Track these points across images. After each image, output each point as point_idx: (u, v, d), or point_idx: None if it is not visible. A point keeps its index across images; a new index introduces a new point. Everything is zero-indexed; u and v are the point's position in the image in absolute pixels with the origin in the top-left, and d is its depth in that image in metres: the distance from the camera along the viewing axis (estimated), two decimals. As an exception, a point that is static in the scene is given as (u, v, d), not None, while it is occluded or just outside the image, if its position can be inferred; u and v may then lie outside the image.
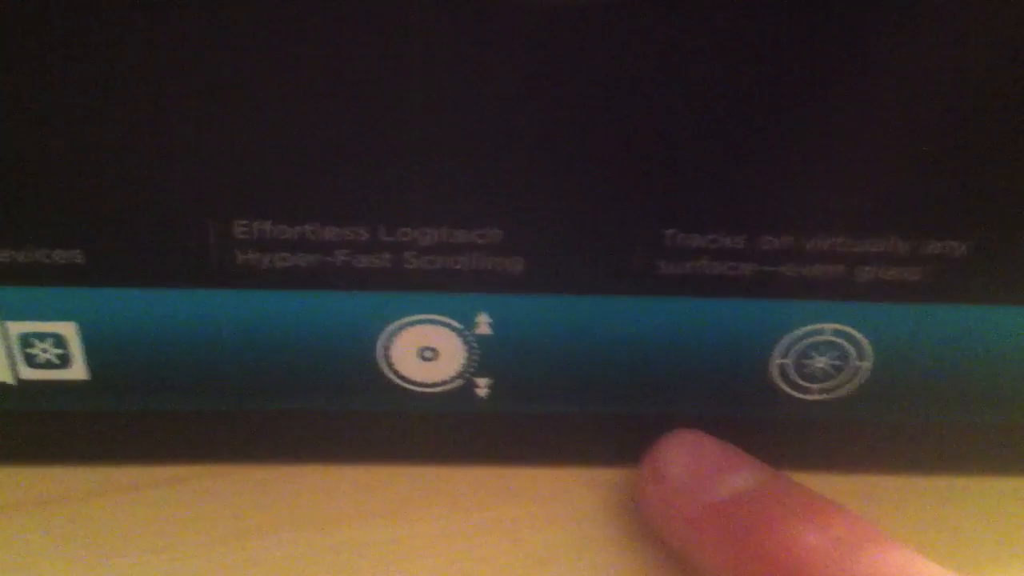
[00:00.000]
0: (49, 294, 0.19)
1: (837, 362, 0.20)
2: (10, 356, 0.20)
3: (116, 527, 0.21)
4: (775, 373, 0.21)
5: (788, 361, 0.20)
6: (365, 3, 0.16)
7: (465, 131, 0.18)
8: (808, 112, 0.18)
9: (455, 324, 0.20)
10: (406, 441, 0.22)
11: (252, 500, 0.21)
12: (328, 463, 0.22)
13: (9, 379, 0.20)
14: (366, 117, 0.18)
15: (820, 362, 0.20)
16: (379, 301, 0.20)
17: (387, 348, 0.20)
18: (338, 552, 0.20)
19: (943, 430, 0.22)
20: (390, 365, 0.20)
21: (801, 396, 0.21)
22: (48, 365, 0.20)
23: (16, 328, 0.20)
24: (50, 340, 0.20)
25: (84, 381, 0.20)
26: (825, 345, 0.20)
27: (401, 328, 0.20)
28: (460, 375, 0.21)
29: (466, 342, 0.20)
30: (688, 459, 0.20)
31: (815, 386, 0.21)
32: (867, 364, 0.20)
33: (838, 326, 0.20)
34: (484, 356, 0.20)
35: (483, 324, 0.20)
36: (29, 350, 0.20)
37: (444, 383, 0.21)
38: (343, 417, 0.21)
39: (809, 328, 0.20)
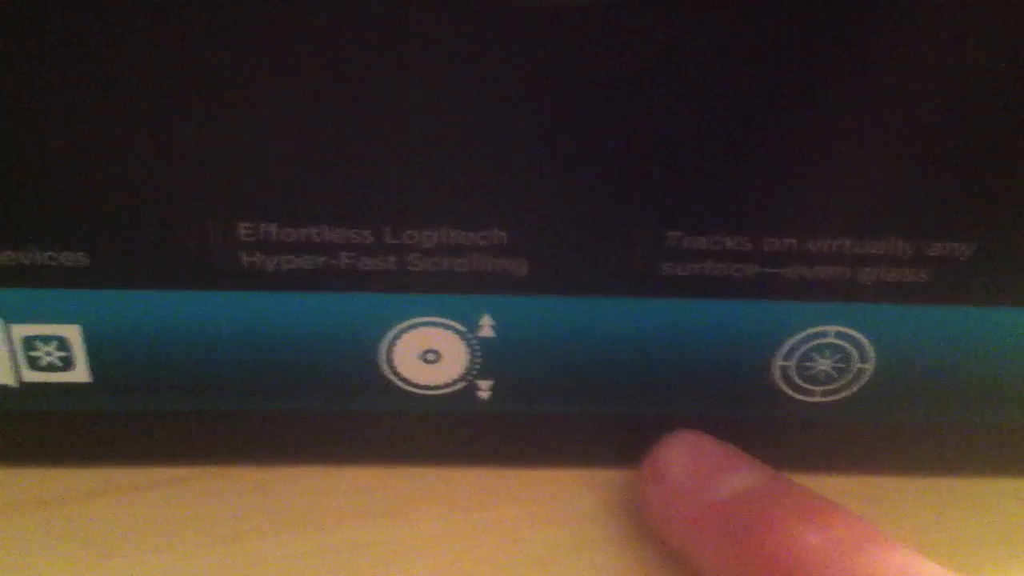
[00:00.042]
0: (53, 296, 0.19)
1: (840, 364, 0.21)
2: (13, 359, 0.20)
3: (117, 527, 0.20)
4: (777, 375, 0.21)
5: (791, 363, 0.20)
6: (369, 5, 0.16)
7: (468, 133, 0.18)
8: (811, 114, 0.18)
9: (458, 327, 0.20)
10: (407, 442, 0.22)
11: (253, 501, 0.21)
12: (329, 464, 0.22)
13: (11, 381, 0.20)
14: (370, 119, 0.17)
15: (823, 364, 0.20)
16: (382, 303, 0.20)
17: (390, 350, 0.20)
18: (338, 552, 0.20)
19: (944, 431, 0.22)
20: (392, 367, 0.20)
21: (803, 398, 0.21)
22: (51, 368, 0.20)
23: (19, 331, 0.20)
24: (54, 343, 0.20)
25: (86, 383, 0.20)
26: (828, 347, 0.20)
27: (404, 331, 0.20)
28: (463, 377, 0.21)
29: (469, 345, 0.20)
30: (688, 459, 0.20)
31: (817, 388, 0.21)
32: (869, 366, 0.21)
33: (841, 328, 0.20)
34: (487, 358, 0.20)
35: (486, 326, 0.20)
36: (32, 353, 0.20)
37: (446, 385, 0.21)
38: (344, 418, 0.21)
39: (812, 330, 0.20)
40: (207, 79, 0.17)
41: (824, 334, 0.20)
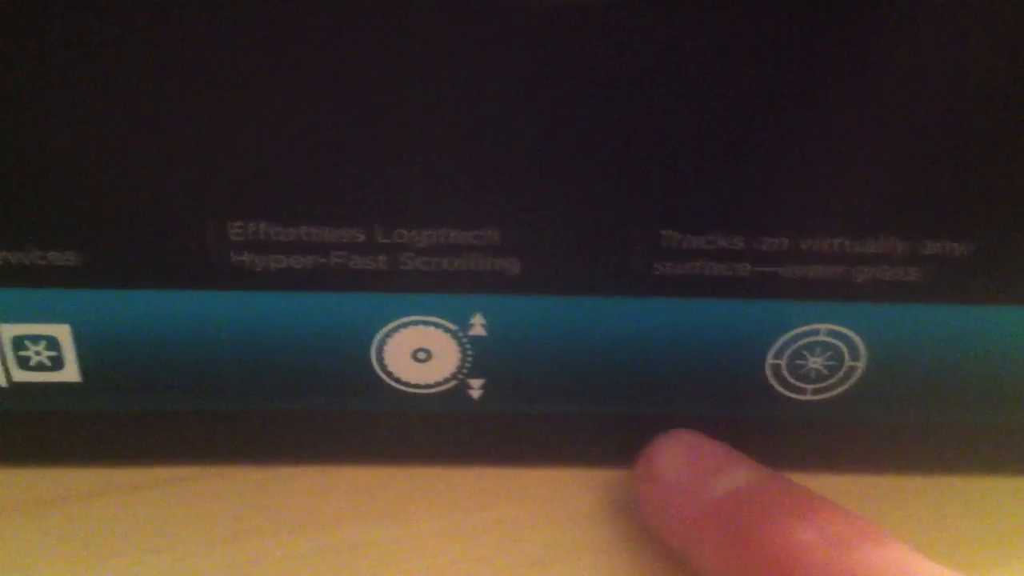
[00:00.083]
0: (43, 296, 0.19)
1: (831, 362, 0.20)
2: (2, 358, 0.20)
3: (115, 528, 0.20)
4: (770, 373, 0.21)
5: (781, 361, 0.20)
6: (361, 4, 0.16)
7: (461, 132, 0.18)
8: (805, 113, 0.18)
9: (449, 325, 0.20)
10: (402, 442, 0.22)
11: (249, 501, 0.21)
12: (324, 464, 0.22)
13: (1, 381, 0.20)
14: (363, 118, 0.17)
15: (814, 362, 0.20)
16: (375, 302, 0.20)
17: (381, 349, 0.20)
18: (336, 552, 0.20)
19: (938, 430, 0.22)
20: (383, 366, 0.20)
21: (795, 396, 0.21)
22: (40, 367, 0.20)
23: (9, 330, 0.20)
24: (43, 342, 0.20)
25: (76, 383, 0.20)
26: (819, 345, 0.20)
27: (395, 329, 0.20)
28: (453, 376, 0.21)
29: (460, 343, 0.20)
30: (684, 458, 0.20)
31: (809, 386, 0.21)
32: (860, 364, 0.20)
33: (833, 326, 0.20)
34: (478, 357, 0.20)
35: (478, 325, 0.20)
36: (22, 352, 0.20)
37: (438, 384, 0.21)
38: (338, 418, 0.21)
39: (803, 328, 0.20)
40: (199, 78, 0.17)
41: (815, 332, 0.20)
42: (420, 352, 0.20)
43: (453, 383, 0.21)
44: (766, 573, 0.17)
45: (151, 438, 0.21)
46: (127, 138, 0.17)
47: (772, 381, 0.21)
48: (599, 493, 0.22)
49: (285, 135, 0.18)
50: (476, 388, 0.21)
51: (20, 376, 0.20)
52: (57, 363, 0.20)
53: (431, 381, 0.21)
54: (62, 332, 0.20)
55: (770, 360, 0.20)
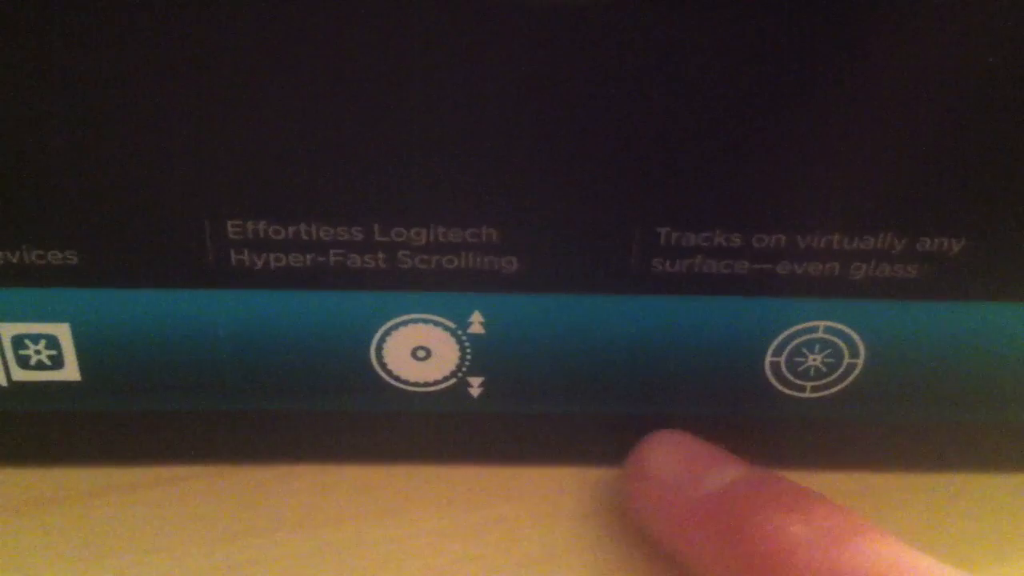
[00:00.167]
0: (42, 295, 0.19)
1: (830, 360, 0.20)
2: (2, 357, 0.20)
3: (114, 527, 0.20)
4: (769, 371, 0.21)
5: (780, 359, 0.20)
6: (358, 3, 0.16)
7: (459, 130, 0.18)
8: (802, 110, 0.18)
9: (448, 323, 0.20)
10: (402, 440, 0.22)
11: (248, 500, 0.21)
12: (323, 463, 0.22)
13: (1, 380, 0.20)
14: (360, 117, 0.17)
15: (813, 360, 0.20)
16: (373, 301, 0.20)
17: (380, 348, 0.20)
18: (335, 551, 0.20)
19: (937, 428, 0.22)
20: (383, 365, 0.20)
21: (794, 394, 0.21)
22: (40, 366, 0.20)
23: (9, 329, 0.20)
24: (43, 341, 0.20)
25: (76, 382, 0.20)
26: (817, 343, 0.20)
27: (394, 328, 0.20)
28: (453, 374, 0.21)
29: (459, 342, 0.20)
30: (674, 456, 0.20)
31: (808, 384, 0.21)
32: (859, 362, 0.20)
33: (831, 323, 0.20)
34: (477, 355, 0.20)
35: (476, 323, 0.20)
36: (21, 351, 0.20)
37: (437, 383, 0.21)
38: (338, 417, 0.21)
39: (801, 326, 0.20)
40: (198, 77, 0.17)
41: (814, 329, 0.20)
42: (419, 350, 0.20)
43: (453, 381, 0.21)
44: (758, 568, 0.17)
45: (151, 437, 0.21)
46: (126, 137, 0.17)
47: (771, 379, 0.21)
48: (598, 492, 0.22)
49: (283, 134, 0.18)
50: (476, 386, 0.21)
51: (20, 375, 0.20)
52: (57, 362, 0.20)
53: (431, 379, 0.21)
54: (62, 331, 0.20)
55: (769, 358, 0.20)
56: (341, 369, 0.20)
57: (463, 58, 0.17)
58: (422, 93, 0.17)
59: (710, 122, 0.18)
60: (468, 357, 0.20)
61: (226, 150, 0.18)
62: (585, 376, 0.21)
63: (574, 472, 0.22)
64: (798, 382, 0.21)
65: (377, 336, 0.20)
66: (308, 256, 0.19)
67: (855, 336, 0.20)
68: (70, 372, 0.20)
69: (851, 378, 0.21)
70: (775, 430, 0.21)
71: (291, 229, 0.19)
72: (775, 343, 0.20)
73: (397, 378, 0.21)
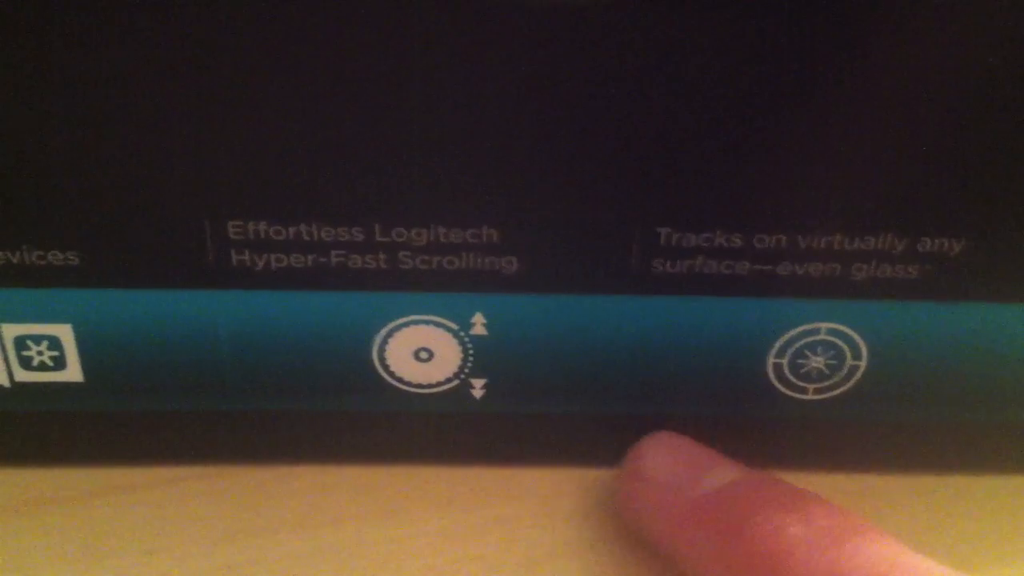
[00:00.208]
0: (44, 296, 0.19)
1: (832, 361, 0.20)
2: (4, 358, 0.20)
3: (115, 528, 0.21)
4: (771, 372, 0.21)
5: (783, 360, 0.20)
6: (359, 3, 0.16)
7: (460, 131, 0.18)
8: (803, 110, 0.18)
9: (450, 325, 0.20)
10: (402, 441, 0.22)
11: (249, 501, 0.21)
12: (324, 463, 0.22)
13: (3, 381, 0.20)
14: (361, 117, 0.18)
15: (815, 361, 0.20)
16: (374, 302, 0.20)
17: (382, 349, 0.20)
18: (335, 552, 0.20)
19: (939, 428, 0.22)
20: (385, 366, 0.20)
21: (797, 395, 0.21)
22: (43, 367, 0.20)
23: (11, 330, 0.20)
24: (45, 342, 0.20)
25: (79, 383, 0.20)
26: (820, 344, 0.20)
27: (396, 329, 0.20)
28: (456, 376, 0.21)
29: (461, 343, 0.20)
30: (671, 458, 0.20)
31: (810, 386, 0.21)
32: (862, 363, 0.20)
33: (833, 325, 0.20)
34: (480, 357, 0.20)
35: (479, 324, 0.20)
36: (24, 352, 0.20)
37: (440, 384, 0.21)
38: (339, 418, 0.21)
39: (804, 328, 0.20)
40: (199, 78, 0.17)
41: (816, 331, 0.20)
42: (422, 351, 0.20)
43: (456, 383, 0.21)
44: (756, 568, 0.17)
45: (152, 438, 0.21)
46: (127, 138, 0.17)
47: (774, 381, 0.21)
48: (599, 493, 0.22)
49: (284, 134, 0.18)
50: (478, 388, 0.21)
51: (22, 376, 0.20)
52: (59, 363, 0.20)
53: (433, 381, 0.21)
54: (64, 332, 0.20)
55: (772, 359, 0.20)
56: (343, 370, 0.20)
57: (464, 58, 0.17)
58: (423, 93, 0.17)
59: (711, 122, 0.18)
60: (471, 359, 0.20)
61: (227, 150, 0.18)
62: (587, 377, 0.21)
63: (575, 473, 0.22)
64: (800, 384, 0.21)
65: (379, 337, 0.20)
66: (309, 257, 0.19)
67: (857, 337, 0.20)
68: (72, 373, 0.20)
69: (854, 380, 0.21)
70: (777, 432, 0.21)
71: (292, 229, 0.19)
72: (777, 345, 0.20)
73: (400, 380, 0.21)
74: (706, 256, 0.19)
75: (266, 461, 0.22)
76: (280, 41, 0.17)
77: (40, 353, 0.20)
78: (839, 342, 0.20)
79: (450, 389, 0.21)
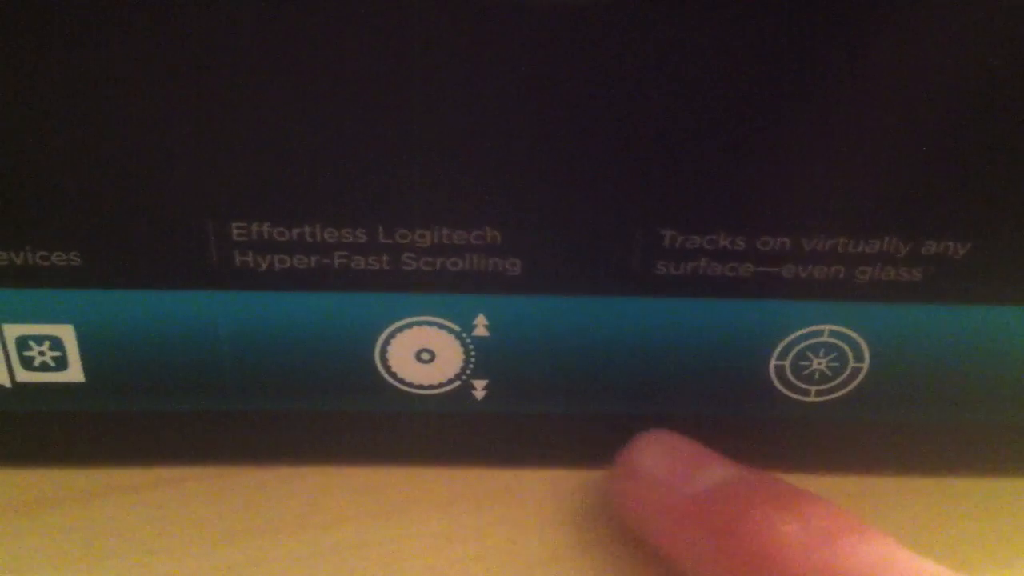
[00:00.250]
0: (46, 296, 0.19)
1: (835, 363, 0.20)
2: (6, 359, 0.20)
3: (116, 528, 0.20)
4: (773, 374, 0.21)
5: (785, 362, 0.20)
6: (361, 5, 0.16)
7: (462, 132, 0.18)
8: (807, 112, 0.18)
9: (452, 326, 0.20)
10: (403, 442, 0.22)
11: (250, 501, 0.21)
12: (326, 464, 0.22)
13: (5, 381, 0.20)
14: (364, 119, 0.17)
15: (818, 363, 0.20)
16: (377, 303, 0.20)
17: (384, 350, 0.20)
18: (336, 553, 0.20)
19: (941, 430, 0.22)
20: (387, 367, 0.20)
21: (799, 397, 0.21)
22: (44, 368, 0.20)
23: (12, 331, 0.20)
24: (47, 343, 0.20)
25: (81, 383, 0.20)
26: (822, 346, 0.20)
27: (398, 330, 0.20)
28: (457, 377, 0.21)
29: (463, 344, 0.20)
30: (665, 455, 0.20)
31: (813, 387, 0.21)
32: (864, 365, 0.20)
33: (835, 327, 0.20)
34: (481, 358, 0.20)
35: (481, 326, 0.20)
36: (26, 353, 0.20)
37: (441, 385, 0.21)
38: (341, 418, 0.21)
39: (806, 330, 0.20)
40: (200, 79, 0.17)
41: (819, 333, 0.20)
42: (424, 353, 0.20)
43: (457, 384, 0.21)
44: (750, 565, 0.17)
45: (154, 438, 0.21)
46: (130, 138, 0.17)
47: (776, 383, 0.21)
48: (599, 494, 0.22)
49: (287, 135, 0.18)
50: (480, 389, 0.21)
51: (24, 376, 0.20)
52: (61, 363, 0.20)
53: (435, 382, 0.21)
54: (66, 332, 0.20)
55: (774, 361, 0.20)
56: (345, 371, 0.20)
57: (466, 59, 0.17)
58: (425, 95, 0.17)
59: (714, 124, 0.18)
60: (472, 360, 0.20)
61: (230, 152, 0.18)
62: (589, 379, 0.21)
63: (577, 474, 0.22)
64: (803, 386, 0.21)
65: (381, 338, 0.20)
66: (312, 258, 0.19)
67: (860, 340, 0.20)
68: (74, 373, 0.20)
69: (856, 382, 0.21)
70: (779, 433, 0.21)
71: (295, 231, 0.19)
72: (780, 347, 0.20)
73: (401, 380, 0.21)
74: (709, 258, 0.19)
75: (267, 462, 0.22)
76: (283, 42, 0.17)
77: (42, 353, 0.20)
78: (842, 344, 0.20)
79: (452, 390, 0.21)
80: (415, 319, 0.20)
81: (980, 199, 0.18)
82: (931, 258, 0.19)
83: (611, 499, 0.21)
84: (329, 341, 0.20)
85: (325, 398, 0.21)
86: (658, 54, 0.17)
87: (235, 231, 0.19)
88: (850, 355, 0.20)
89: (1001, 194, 0.18)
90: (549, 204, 0.19)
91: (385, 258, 0.19)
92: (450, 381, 0.21)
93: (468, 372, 0.21)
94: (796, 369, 0.21)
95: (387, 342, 0.20)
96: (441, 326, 0.20)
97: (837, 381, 0.21)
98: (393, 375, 0.21)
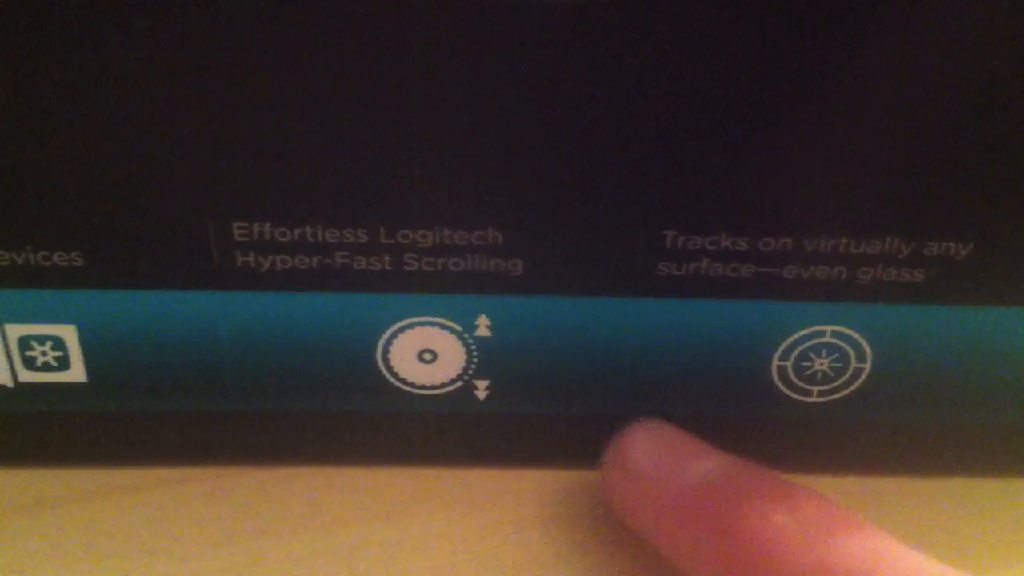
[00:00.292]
0: (48, 296, 0.19)
1: (837, 364, 0.20)
2: (8, 359, 0.20)
3: (116, 528, 0.20)
4: (775, 375, 0.21)
5: (788, 363, 0.20)
6: (363, 5, 0.16)
7: (464, 133, 0.18)
8: (809, 113, 0.18)
9: (454, 326, 0.20)
10: (405, 442, 0.22)
11: (251, 501, 0.21)
12: (328, 464, 0.22)
13: (7, 381, 0.20)
14: (365, 119, 0.17)
15: (820, 364, 0.20)
16: (379, 303, 0.20)
17: (386, 350, 0.20)
18: (338, 553, 0.20)
19: (943, 431, 0.22)
20: (389, 367, 0.20)
21: (801, 398, 0.21)
22: (47, 368, 0.20)
23: (15, 331, 0.20)
24: (49, 343, 0.20)
25: (83, 383, 0.20)
26: (824, 347, 0.20)
27: (400, 330, 0.20)
28: (459, 377, 0.21)
29: (465, 344, 0.20)
30: (656, 447, 0.19)
31: (815, 388, 0.21)
32: (867, 366, 0.20)
33: (838, 328, 0.20)
34: (483, 358, 0.20)
35: (483, 326, 0.20)
36: (28, 353, 0.20)
37: (443, 385, 0.21)
38: (343, 419, 0.21)
39: (808, 330, 0.20)
40: (202, 80, 0.17)
41: (821, 333, 0.20)
42: (426, 353, 0.20)
43: (459, 384, 0.21)
44: (741, 558, 0.17)
45: (155, 438, 0.21)
46: (132, 139, 0.17)
47: (778, 383, 0.21)
48: (600, 494, 0.22)
49: (289, 136, 0.18)
50: (482, 389, 0.21)
51: (26, 376, 0.20)
52: (63, 363, 0.20)
53: (437, 382, 0.21)
54: (68, 332, 0.20)
55: (776, 362, 0.20)
56: (347, 371, 0.20)
57: (467, 60, 0.17)
58: (427, 96, 0.17)
59: (716, 125, 0.18)
60: (474, 360, 0.20)
61: (231, 152, 0.18)
62: (591, 379, 0.21)
63: (579, 474, 0.22)
64: (805, 386, 0.21)
65: (383, 339, 0.20)
66: (314, 258, 0.19)
67: (862, 340, 0.20)
68: (76, 374, 0.20)
69: (858, 382, 0.21)
70: (781, 434, 0.21)
71: (297, 231, 0.19)
72: (782, 347, 0.20)
73: (403, 381, 0.21)
74: (711, 259, 0.19)
75: (268, 462, 0.22)
76: (283, 42, 0.17)
77: (44, 353, 0.20)
78: (844, 345, 0.20)
79: (454, 390, 0.21)
80: (417, 319, 0.20)
81: (982, 200, 0.18)
82: (933, 259, 0.19)
83: (602, 491, 0.20)
84: (331, 341, 0.20)
85: (326, 398, 0.21)
86: (659, 55, 0.17)
87: (236, 231, 0.19)
88: (852, 356, 0.20)
89: (1003, 195, 0.18)
90: (551, 205, 0.19)
91: (387, 258, 0.19)
92: (452, 381, 0.21)
93: (470, 372, 0.21)
94: (798, 370, 0.21)
95: (389, 342, 0.20)
96: (443, 326, 0.20)
97: (839, 382, 0.21)
98: (395, 375, 0.21)
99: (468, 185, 0.18)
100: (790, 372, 0.21)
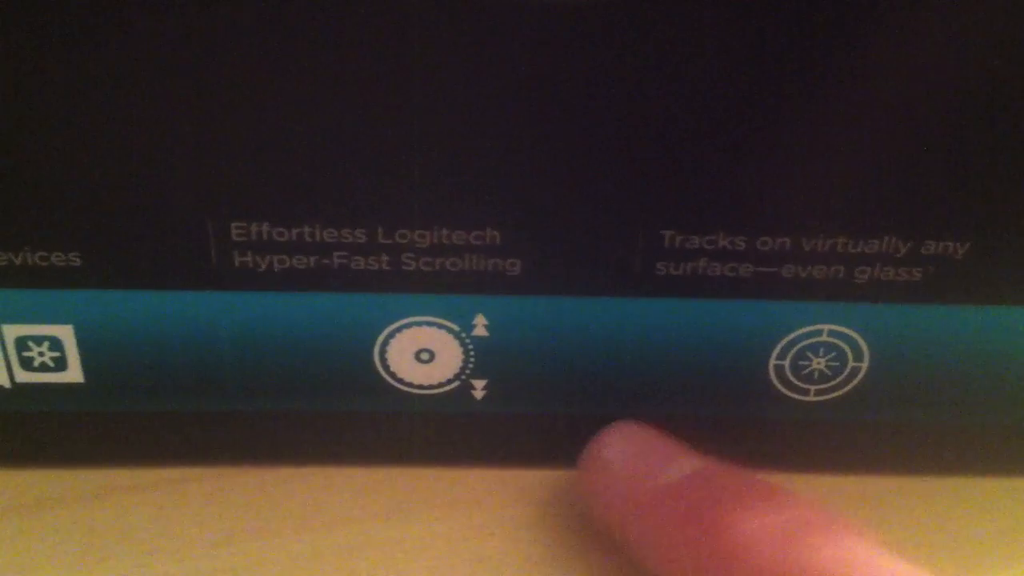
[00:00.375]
0: (46, 297, 0.19)
1: (834, 363, 0.20)
2: (6, 359, 0.20)
3: (116, 529, 0.20)
4: (772, 374, 0.21)
5: (785, 362, 0.20)
6: (361, 5, 0.16)
7: (462, 132, 0.18)
8: (807, 112, 0.18)
9: (452, 326, 0.20)
10: (403, 442, 0.22)
11: (250, 502, 0.21)
12: (326, 465, 0.22)
13: (4, 382, 0.20)
14: (363, 119, 0.18)
15: (817, 363, 0.20)
16: (376, 303, 0.20)
17: (384, 350, 0.20)
18: (337, 553, 0.20)
19: (940, 430, 0.22)
20: (387, 367, 0.20)
21: (798, 397, 0.21)
22: (44, 368, 0.20)
23: (12, 331, 0.20)
24: (46, 343, 0.20)
25: (80, 384, 0.20)
26: (821, 346, 0.20)
27: (398, 330, 0.20)
28: (457, 377, 0.21)
29: (463, 344, 0.20)
30: (633, 448, 0.19)
31: (812, 387, 0.21)
32: (864, 365, 0.20)
33: (835, 327, 0.20)
34: (481, 358, 0.20)
35: (480, 326, 0.20)
36: (25, 353, 0.20)
37: (441, 385, 0.21)
38: (340, 419, 0.21)
39: (806, 329, 0.20)
40: (201, 79, 0.17)
41: (818, 332, 0.20)
42: (423, 353, 0.20)
43: (456, 384, 0.21)
44: (716, 559, 0.16)
45: (154, 439, 0.21)
46: (130, 139, 0.17)
47: (775, 382, 0.21)
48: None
49: (287, 135, 0.18)
50: (479, 389, 0.21)
51: (23, 377, 0.20)
52: (60, 364, 0.20)
53: (434, 382, 0.21)
54: (65, 333, 0.20)
55: (773, 361, 0.20)
56: (344, 371, 0.20)
57: (466, 59, 0.17)
58: (425, 95, 0.17)
59: (714, 124, 0.18)
60: (472, 360, 0.20)
61: (230, 152, 0.18)
62: (588, 379, 0.21)
63: (576, 475, 0.22)
64: (802, 385, 0.21)
65: (381, 338, 0.20)
66: (312, 258, 0.19)
67: (859, 339, 0.20)
68: (73, 374, 0.20)
69: (855, 382, 0.21)
70: (778, 433, 0.21)
71: (295, 231, 0.19)
72: (779, 346, 0.20)
73: (401, 381, 0.21)
74: (709, 258, 0.19)
75: (267, 462, 0.22)
76: (282, 42, 0.17)
77: (41, 354, 0.20)
78: (841, 344, 0.20)
79: (451, 390, 0.21)
80: (414, 319, 0.20)
81: (980, 199, 0.18)
82: (931, 258, 0.19)
83: (577, 491, 0.20)
84: (329, 341, 0.20)
85: (324, 398, 0.21)
86: (658, 55, 0.17)
87: (235, 231, 0.19)
88: (849, 355, 0.20)
89: (1001, 194, 0.18)
90: (549, 204, 0.19)
91: (385, 258, 0.19)
92: (449, 381, 0.21)
93: (467, 372, 0.21)
94: (795, 369, 0.21)
95: (386, 342, 0.20)
96: (440, 326, 0.20)
97: (836, 381, 0.21)
98: (392, 375, 0.21)
99: (466, 185, 0.18)
100: (787, 371, 0.21)
